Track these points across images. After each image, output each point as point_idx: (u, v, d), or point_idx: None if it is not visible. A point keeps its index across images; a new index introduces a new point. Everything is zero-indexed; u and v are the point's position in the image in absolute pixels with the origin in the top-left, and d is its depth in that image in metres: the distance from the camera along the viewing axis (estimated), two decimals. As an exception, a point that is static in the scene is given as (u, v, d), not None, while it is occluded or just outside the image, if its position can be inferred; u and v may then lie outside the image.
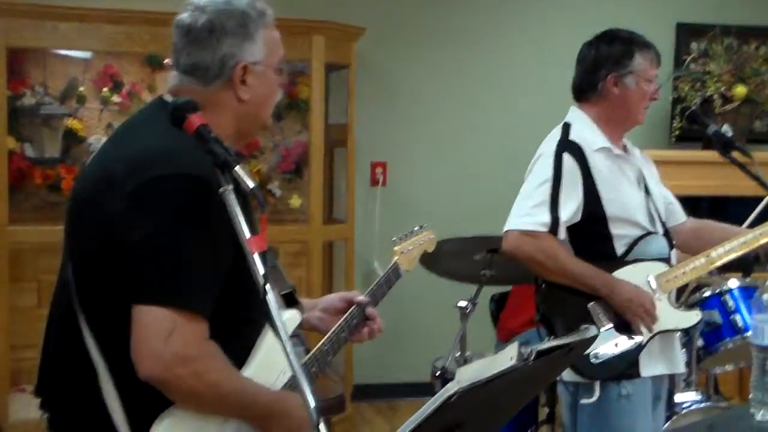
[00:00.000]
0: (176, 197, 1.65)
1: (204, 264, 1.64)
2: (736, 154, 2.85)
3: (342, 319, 2.07)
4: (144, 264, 1.64)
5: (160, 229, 1.64)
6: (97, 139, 4.71)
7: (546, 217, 2.65)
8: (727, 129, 2.76)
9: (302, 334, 2.14)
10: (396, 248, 2.34)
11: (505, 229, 2.73)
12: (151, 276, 1.64)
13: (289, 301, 1.95)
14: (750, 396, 1.48)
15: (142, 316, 1.62)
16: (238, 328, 1.76)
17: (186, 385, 1.64)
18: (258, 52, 1.84)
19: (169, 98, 1.84)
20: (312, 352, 1.99)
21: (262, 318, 1.78)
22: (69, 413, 1.80)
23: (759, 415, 1.49)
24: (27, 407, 4.55)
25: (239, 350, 1.77)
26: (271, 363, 1.81)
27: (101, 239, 1.69)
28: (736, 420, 1.45)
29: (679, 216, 3.01)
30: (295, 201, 5.10)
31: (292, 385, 1.83)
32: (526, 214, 2.68)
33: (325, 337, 2.03)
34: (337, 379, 5.26)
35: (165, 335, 1.61)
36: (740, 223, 3.29)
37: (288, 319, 1.92)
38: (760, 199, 3.34)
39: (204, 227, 1.65)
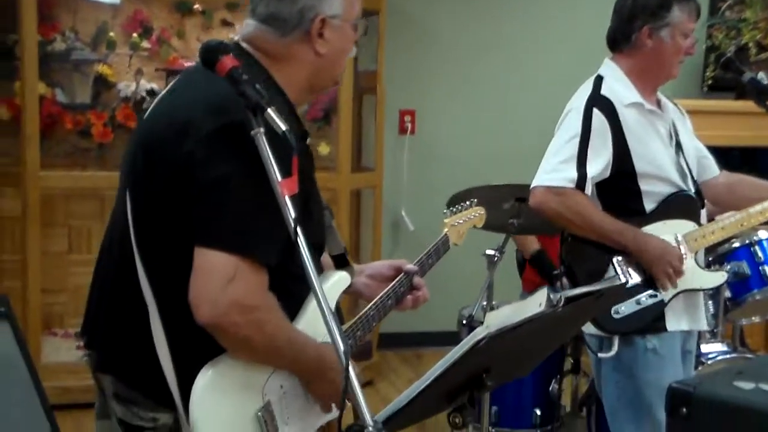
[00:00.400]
0: (251, 144, 1.60)
1: (273, 214, 1.58)
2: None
3: (389, 286, 2.07)
4: (214, 206, 1.63)
5: (237, 173, 1.62)
6: (127, 86, 4.72)
7: (573, 173, 2.64)
8: (763, 76, 2.71)
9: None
10: (446, 221, 2.36)
11: (533, 185, 2.72)
12: (220, 219, 1.63)
13: (340, 262, 1.96)
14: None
15: (205, 260, 1.61)
16: (289, 284, 1.74)
17: (242, 334, 1.63)
18: (337, 6, 1.82)
19: (246, 45, 1.82)
20: (358, 317, 1.98)
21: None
22: (115, 353, 1.80)
23: (789, 362, 1.49)
24: (58, 351, 4.64)
25: (290, 306, 1.77)
26: (318, 320, 1.82)
27: (172, 179, 1.67)
28: (766, 366, 1.45)
29: (712, 170, 2.98)
30: (324, 149, 5.10)
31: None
32: (554, 170, 2.67)
33: (372, 303, 2.03)
34: (364, 326, 5.30)
35: (226, 281, 1.60)
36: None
37: (338, 280, 1.92)
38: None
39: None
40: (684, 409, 1.32)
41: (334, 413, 1.87)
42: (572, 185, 2.64)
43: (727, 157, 4.86)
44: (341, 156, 4.85)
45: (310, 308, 1.80)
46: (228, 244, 1.61)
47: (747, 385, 1.34)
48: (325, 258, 1.98)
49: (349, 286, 1.97)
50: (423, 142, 5.56)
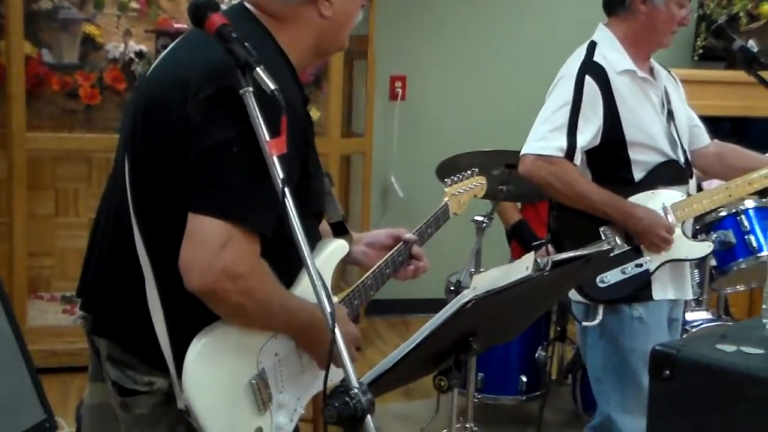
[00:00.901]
0: (247, 110, 1.58)
1: (269, 180, 1.56)
2: (764, 74, 2.79)
3: (388, 255, 2.05)
4: (210, 173, 1.61)
5: (234, 140, 1.60)
6: (115, 47, 4.68)
7: (563, 142, 2.63)
8: (753, 44, 2.70)
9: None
10: (447, 189, 2.34)
11: (522, 152, 2.71)
12: (215, 186, 1.61)
13: (339, 230, 1.94)
14: (763, 307, 1.49)
15: (198, 226, 1.60)
16: (284, 250, 1.70)
17: (233, 301, 1.62)
18: None
19: (250, 6, 1.79)
20: (355, 285, 1.97)
21: (309, 241, 1.75)
22: (111, 317, 1.79)
23: (771, 325, 1.50)
24: (44, 314, 4.63)
25: (287, 271, 1.75)
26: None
27: (170, 144, 1.65)
28: (749, 330, 1.47)
29: (703, 139, 2.98)
30: (314, 113, 5.07)
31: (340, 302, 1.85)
32: (543, 138, 2.66)
33: (369, 271, 2.01)
34: (352, 292, 5.32)
35: (218, 247, 1.58)
36: (762, 145, 3.26)
37: (335, 248, 1.90)
38: (782, 120, 3.31)
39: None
40: (667, 371, 1.33)
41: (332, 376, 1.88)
42: (561, 154, 2.63)
43: (718, 126, 4.86)
44: (331, 121, 4.83)
45: (307, 276, 1.80)
46: (222, 210, 1.60)
47: (729, 348, 1.35)
48: (324, 225, 1.97)
49: (347, 255, 1.95)
50: (413, 108, 5.54)
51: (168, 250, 1.64)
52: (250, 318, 1.68)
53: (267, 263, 1.68)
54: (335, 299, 1.87)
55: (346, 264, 2.03)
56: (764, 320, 1.48)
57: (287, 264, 1.74)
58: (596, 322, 2.69)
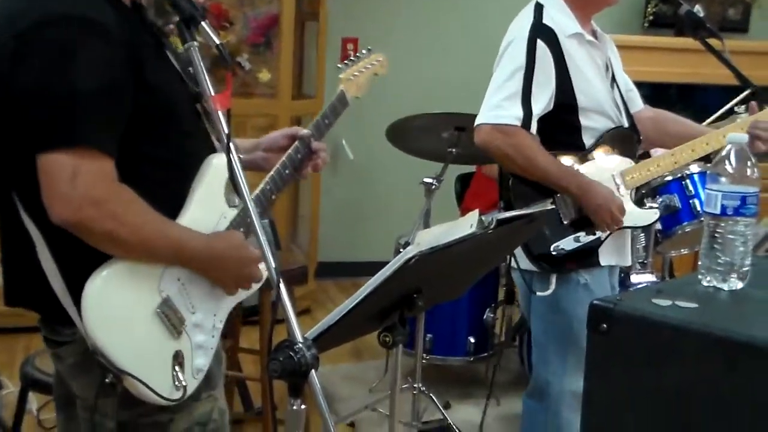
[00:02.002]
0: (59, 39, 1.59)
1: (96, 102, 1.59)
2: (712, 41, 2.81)
3: (284, 155, 2.03)
4: (35, 111, 1.61)
5: (45, 72, 1.60)
6: None
7: (519, 111, 2.56)
8: (699, 9, 2.71)
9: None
10: (341, 75, 2.23)
11: (477, 122, 2.64)
12: (44, 122, 1.61)
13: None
14: (699, 263, 1.53)
15: (45, 164, 1.59)
16: (155, 170, 1.73)
17: (102, 228, 1.61)
18: None
19: None
20: (254, 193, 1.93)
21: (186, 161, 1.77)
22: (16, 286, 1.80)
23: (705, 281, 1.53)
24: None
25: (165, 193, 1.75)
26: (209, 207, 1.79)
27: (1, 109, 1.65)
28: (684, 285, 1.50)
29: (637, 103, 2.96)
30: (264, 75, 5.03)
31: (237, 225, 1.84)
32: (498, 106, 2.59)
33: (267, 176, 1.98)
34: (301, 255, 5.32)
35: (70, 177, 1.58)
36: (707, 111, 3.30)
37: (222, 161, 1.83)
38: (727, 88, 3.35)
39: (88, 67, 1.60)
40: (604, 325, 1.35)
41: (243, 294, 1.88)
42: (518, 123, 2.56)
43: (665, 93, 4.94)
44: (282, 82, 4.80)
45: (195, 200, 1.78)
46: (60, 141, 1.59)
47: (664, 302, 1.38)
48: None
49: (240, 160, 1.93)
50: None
51: (41, 201, 1.63)
52: (128, 246, 1.66)
53: (129, 188, 1.66)
54: (233, 211, 1.85)
55: (249, 171, 1.98)
56: (699, 276, 1.52)
57: (162, 183, 1.74)
58: (550, 291, 2.67)
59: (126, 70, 1.64)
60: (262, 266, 1.86)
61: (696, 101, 4.98)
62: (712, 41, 2.88)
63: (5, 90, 1.63)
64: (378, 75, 2.34)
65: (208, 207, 1.80)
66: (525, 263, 2.67)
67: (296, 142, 2.06)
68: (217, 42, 1.55)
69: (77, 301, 1.65)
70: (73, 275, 1.67)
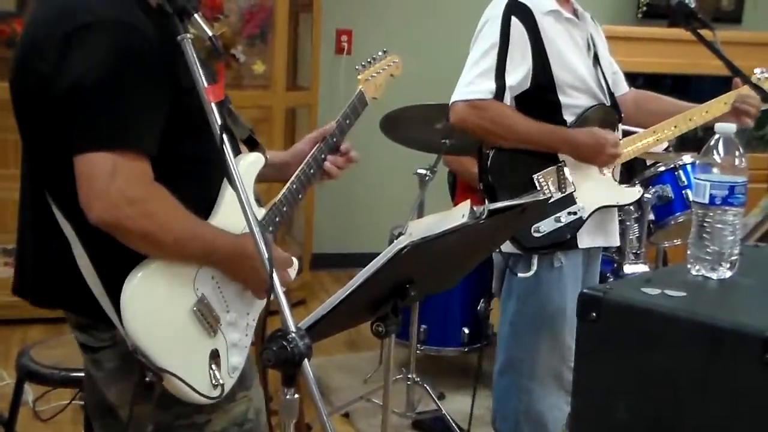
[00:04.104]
0: (97, 42, 1.62)
1: (136, 103, 1.62)
2: (704, 32, 2.81)
3: (309, 155, 2.05)
4: (74, 112, 1.63)
5: (83, 74, 1.62)
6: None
7: (491, 85, 2.55)
8: (691, 0, 2.71)
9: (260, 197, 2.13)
10: (360, 76, 2.27)
11: (452, 100, 2.64)
12: (82, 122, 1.62)
13: (250, 143, 1.93)
14: (688, 252, 1.54)
15: (83, 165, 1.61)
16: (189, 168, 1.75)
17: (138, 227, 1.63)
18: None
19: None
20: (282, 192, 1.97)
21: (217, 160, 1.78)
22: (49, 286, 1.81)
23: (694, 270, 1.54)
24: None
25: (198, 191, 1.77)
26: (235, 212, 1.81)
27: (41, 105, 1.67)
28: (673, 274, 1.51)
29: (622, 86, 2.96)
30: (259, 66, 5.04)
31: (266, 224, 1.87)
32: (470, 83, 2.59)
33: (293, 176, 2.01)
34: (296, 246, 5.33)
35: (107, 176, 1.60)
36: (702, 101, 3.30)
37: (252, 162, 1.90)
38: (721, 78, 3.35)
39: (130, 68, 1.63)
40: (593, 314, 1.37)
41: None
42: (491, 96, 2.56)
43: (660, 84, 4.94)
44: (276, 74, 4.80)
45: (226, 201, 1.80)
46: (98, 142, 1.61)
47: (653, 291, 1.39)
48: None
49: (264, 165, 1.93)
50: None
51: (77, 202, 1.65)
52: (163, 246, 1.68)
53: (164, 188, 1.68)
54: (262, 211, 1.89)
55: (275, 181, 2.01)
56: (688, 265, 1.53)
57: (196, 181, 1.77)
58: (531, 273, 2.67)
59: (163, 72, 1.67)
60: (291, 270, 1.91)
61: (690, 92, 4.99)
62: (704, 32, 2.89)
63: (47, 90, 1.65)
64: (394, 76, 2.40)
65: (237, 207, 1.81)
66: (506, 246, 2.65)
67: (319, 143, 2.08)
68: (210, 34, 1.56)
69: (115, 301, 1.66)
70: (110, 276, 1.69)
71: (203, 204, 1.78)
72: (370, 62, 2.32)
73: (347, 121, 2.16)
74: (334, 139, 2.10)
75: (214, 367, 1.76)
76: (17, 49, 1.76)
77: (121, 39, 1.63)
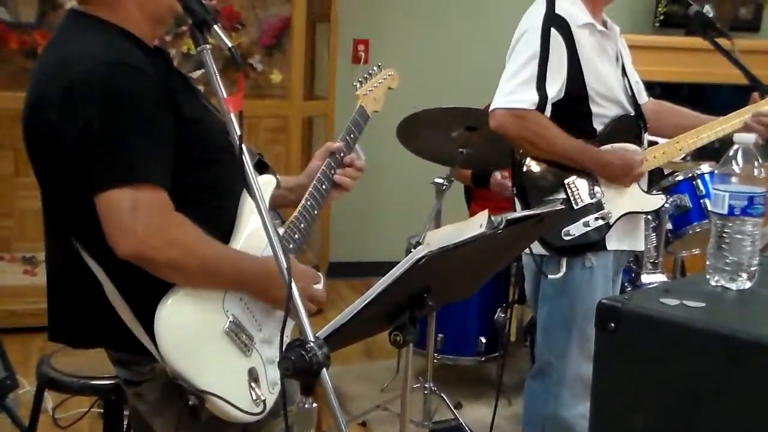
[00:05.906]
0: (105, 84, 1.65)
1: (144, 138, 1.66)
2: (722, 41, 2.82)
3: (318, 172, 2.08)
4: (87, 156, 1.66)
5: (90, 118, 1.64)
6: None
7: (534, 95, 2.62)
8: (708, 9, 2.72)
9: (281, 212, 2.15)
10: (358, 92, 2.30)
11: (492, 107, 2.69)
12: (97, 164, 1.65)
13: (259, 167, 1.96)
14: (706, 263, 1.54)
15: (104, 203, 1.64)
16: (201, 196, 1.78)
17: (165, 257, 1.65)
18: None
19: (79, 8, 1.83)
20: (297, 210, 1.99)
21: (227, 187, 1.81)
22: (86, 331, 1.83)
23: (713, 281, 1.54)
24: (4, 274, 4.61)
25: (214, 220, 1.79)
26: (257, 234, 1.81)
27: (53, 152, 1.70)
28: (692, 285, 1.51)
29: (642, 96, 3.01)
30: (276, 76, 5.07)
31: (285, 240, 1.89)
32: (513, 91, 2.65)
33: (306, 193, 2.04)
34: (313, 255, 5.34)
35: (130, 211, 1.63)
36: (717, 110, 3.30)
37: (264, 183, 1.93)
38: (738, 87, 3.35)
39: (133, 107, 1.67)
40: (611, 324, 1.36)
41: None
42: (534, 107, 2.62)
43: (677, 93, 4.93)
44: (293, 83, 4.82)
45: (244, 226, 1.83)
46: (116, 179, 1.64)
47: (672, 302, 1.39)
48: None
49: (277, 187, 1.97)
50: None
51: (103, 240, 1.67)
52: (191, 273, 1.70)
53: (185, 216, 1.70)
54: (281, 230, 1.91)
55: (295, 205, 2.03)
56: (707, 276, 1.52)
57: (209, 209, 1.79)
58: (561, 274, 2.73)
59: (166, 106, 1.70)
60: (319, 286, 1.92)
61: (707, 101, 4.98)
62: (722, 41, 2.89)
63: (53, 137, 1.68)
64: (391, 88, 2.44)
65: (257, 232, 1.82)
66: (536, 248, 2.72)
67: (327, 159, 2.11)
68: (229, 45, 1.57)
69: (149, 331, 1.69)
70: (141, 307, 1.71)
71: (220, 231, 1.79)
72: (366, 78, 2.36)
73: (351, 136, 2.19)
74: (341, 154, 2.13)
75: (253, 384, 1.78)
76: (26, 98, 1.79)
77: (122, 80, 1.67)
